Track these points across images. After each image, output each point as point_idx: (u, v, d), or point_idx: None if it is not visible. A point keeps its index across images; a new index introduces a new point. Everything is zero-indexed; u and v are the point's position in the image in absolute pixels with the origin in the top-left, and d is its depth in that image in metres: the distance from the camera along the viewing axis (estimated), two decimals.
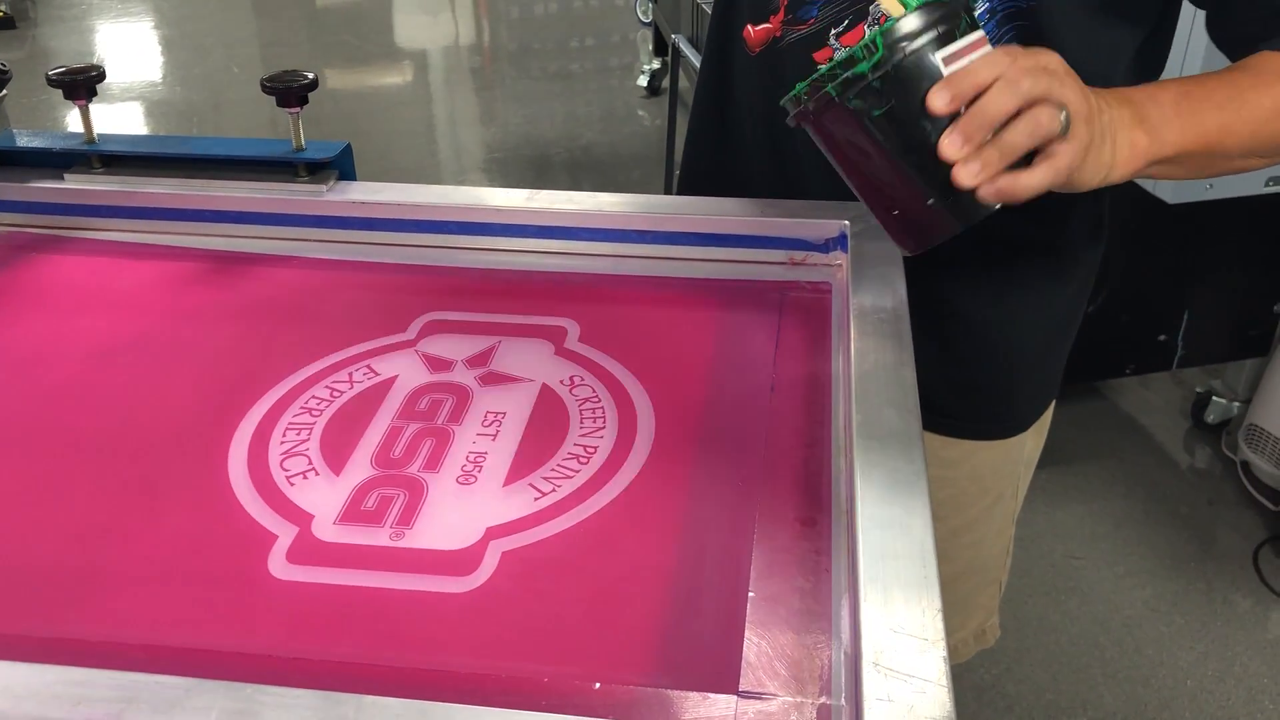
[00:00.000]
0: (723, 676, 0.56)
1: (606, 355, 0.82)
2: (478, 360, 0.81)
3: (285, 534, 0.66)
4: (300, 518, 0.67)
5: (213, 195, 0.96)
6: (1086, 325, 2.40)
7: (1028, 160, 0.69)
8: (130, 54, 4.53)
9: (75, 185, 0.97)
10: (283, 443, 0.73)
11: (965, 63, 0.68)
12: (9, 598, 0.62)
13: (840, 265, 0.89)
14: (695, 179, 1.10)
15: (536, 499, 0.68)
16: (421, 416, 0.76)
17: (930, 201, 0.70)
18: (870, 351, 0.72)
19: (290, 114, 0.95)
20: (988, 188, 0.68)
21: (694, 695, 0.54)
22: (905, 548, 0.57)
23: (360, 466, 0.71)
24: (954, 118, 0.67)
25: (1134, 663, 1.88)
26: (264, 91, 0.94)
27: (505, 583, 0.62)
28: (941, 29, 0.68)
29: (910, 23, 0.67)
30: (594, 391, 0.78)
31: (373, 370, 0.80)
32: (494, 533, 0.66)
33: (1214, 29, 0.89)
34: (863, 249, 0.84)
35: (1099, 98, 0.73)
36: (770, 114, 0.93)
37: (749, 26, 0.93)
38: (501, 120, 4.11)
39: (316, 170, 0.97)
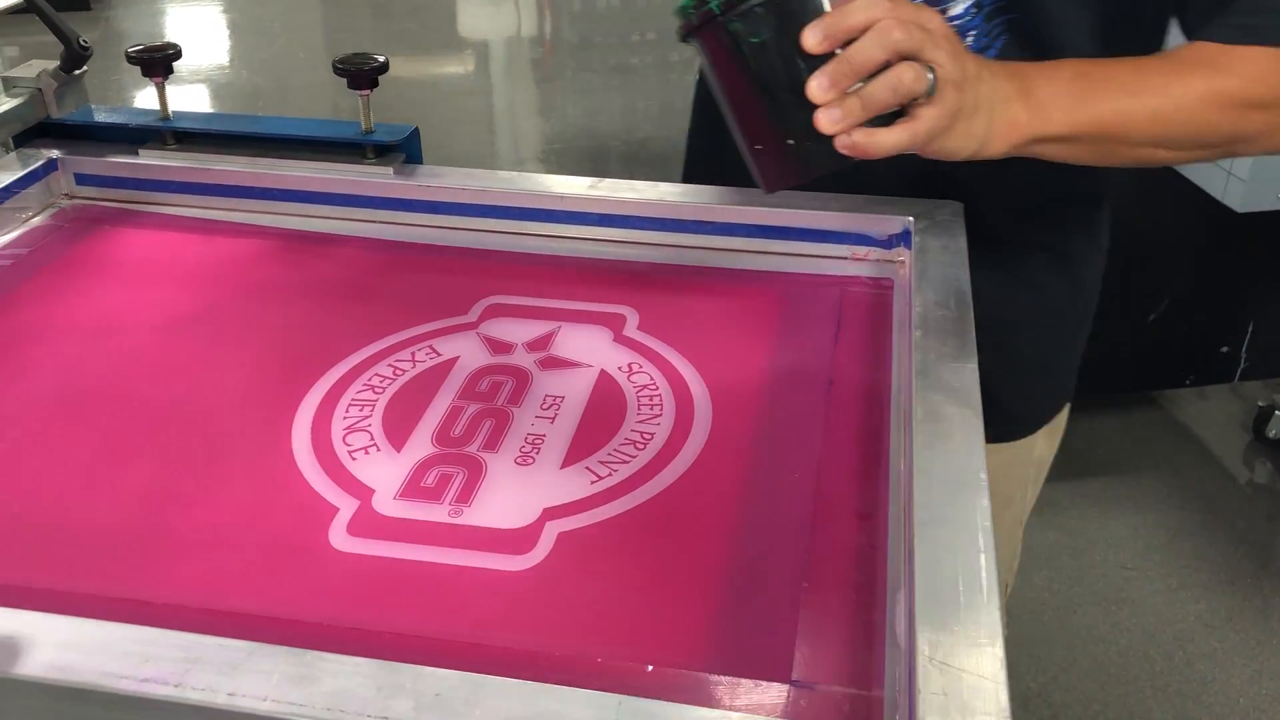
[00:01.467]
0: (775, 665, 0.56)
1: (664, 344, 0.82)
2: (538, 344, 0.82)
3: (346, 507, 0.67)
4: (361, 491, 0.68)
5: (282, 174, 0.97)
6: (1146, 334, 2.36)
7: (894, 120, 0.69)
8: (199, 37, 4.61)
9: (149, 161, 0.99)
10: (346, 418, 0.74)
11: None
12: (80, 557, 0.63)
13: (903, 262, 0.88)
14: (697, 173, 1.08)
15: (593, 482, 0.69)
16: (481, 397, 0.76)
17: (790, 142, 0.70)
18: (932, 349, 0.72)
19: (360, 96, 0.96)
20: (844, 138, 0.68)
21: (747, 682, 0.54)
22: (964, 544, 0.56)
23: (421, 444, 0.72)
24: (828, 60, 0.67)
25: (1185, 677, 1.85)
26: (336, 73, 0.95)
27: (561, 563, 0.63)
28: None
29: None
30: (651, 379, 0.78)
31: (435, 350, 0.81)
32: (551, 513, 0.66)
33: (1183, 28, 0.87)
34: (927, 245, 0.84)
35: (982, 67, 0.72)
36: None
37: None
38: (560, 112, 4.13)
39: (384, 153, 0.98)
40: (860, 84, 0.67)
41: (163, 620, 0.54)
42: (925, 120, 0.69)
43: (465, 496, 0.67)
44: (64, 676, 0.50)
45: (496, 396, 0.76)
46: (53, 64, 1.00)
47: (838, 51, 0.67)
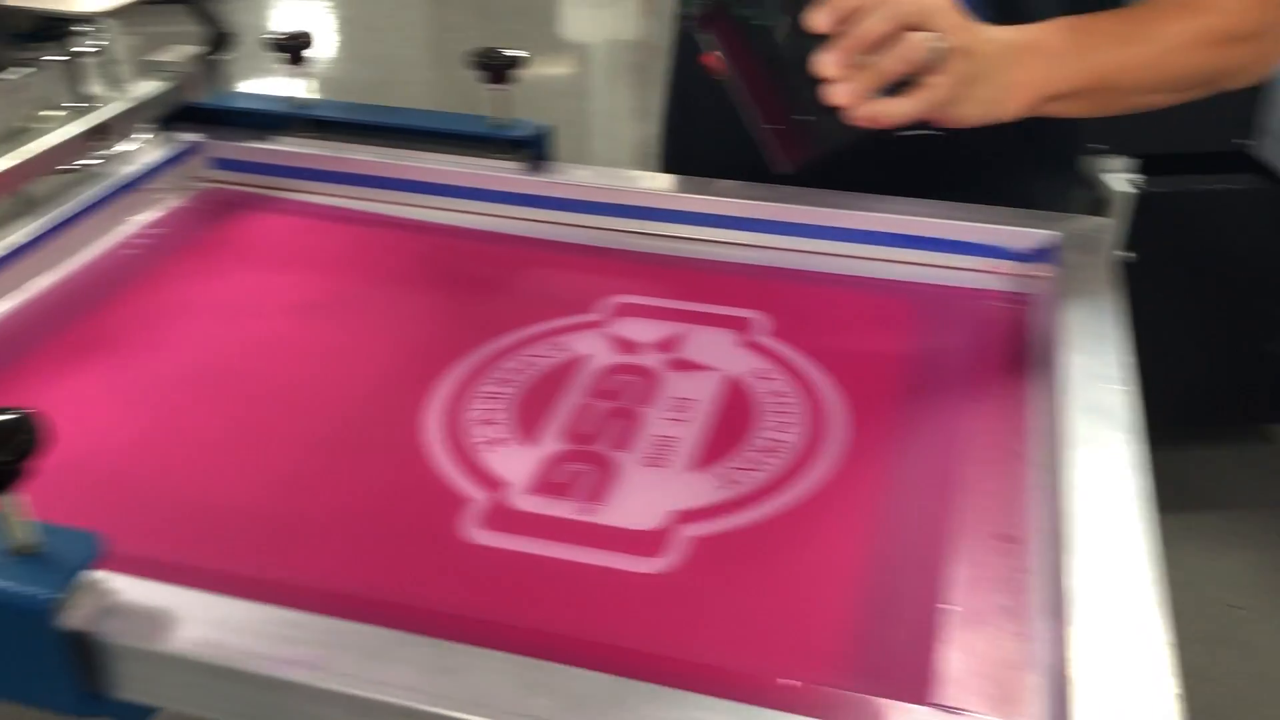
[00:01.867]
0: (917, 688, 0.54)
1: (796, 351, 0.80)
2: (666, 345, 0.81)
3: (478, 498, 0.67)
4: (493, 484, 0.68)
5: (414, 165, 0.98)
6: (1263, 365, 2.27)
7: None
8: (314, 30, 4.71)
9: (283, 147, 1.01)
10: (476, 409, 0.74)
11: None
12: (217, 535, 0.64)
13: (1044, 277, 0.85)
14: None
15: (725, 487, 0.68)
16: (611, 396, 0.76)
17: (804, 118, 0.72)
18: (1080, 368, 0.69)
19: (496, 91, 0.96)
20: (858, 110, 0.70)
21: (894, 703, 0.52)
22: (1123, 570, 0.54)
23: (551, 439, 0.71)
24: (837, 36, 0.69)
25: None
26: (473, 67, 0.96)
27: (694, 568, 0.62)
28: None
29: None
30: (783, 386, 0.77)
31: (563, 347, 0.81)
32: (682, 517, 0.65)
33: None
34: (1073, 261, 0.81)
35: (987, 32, 0.74)
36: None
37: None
38: (657, 115, 4.12)
39: (515, 148, 0.98)
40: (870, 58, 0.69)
41: (297, 602, 0.54)
42: (937, 88, 0.71)
43: (596, 495, 0.67)
44: (213, 654, 0.51)
45: (626, 396, 0.76)
46: (197, 49, 1.02)
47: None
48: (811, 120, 0.72)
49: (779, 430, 0.72)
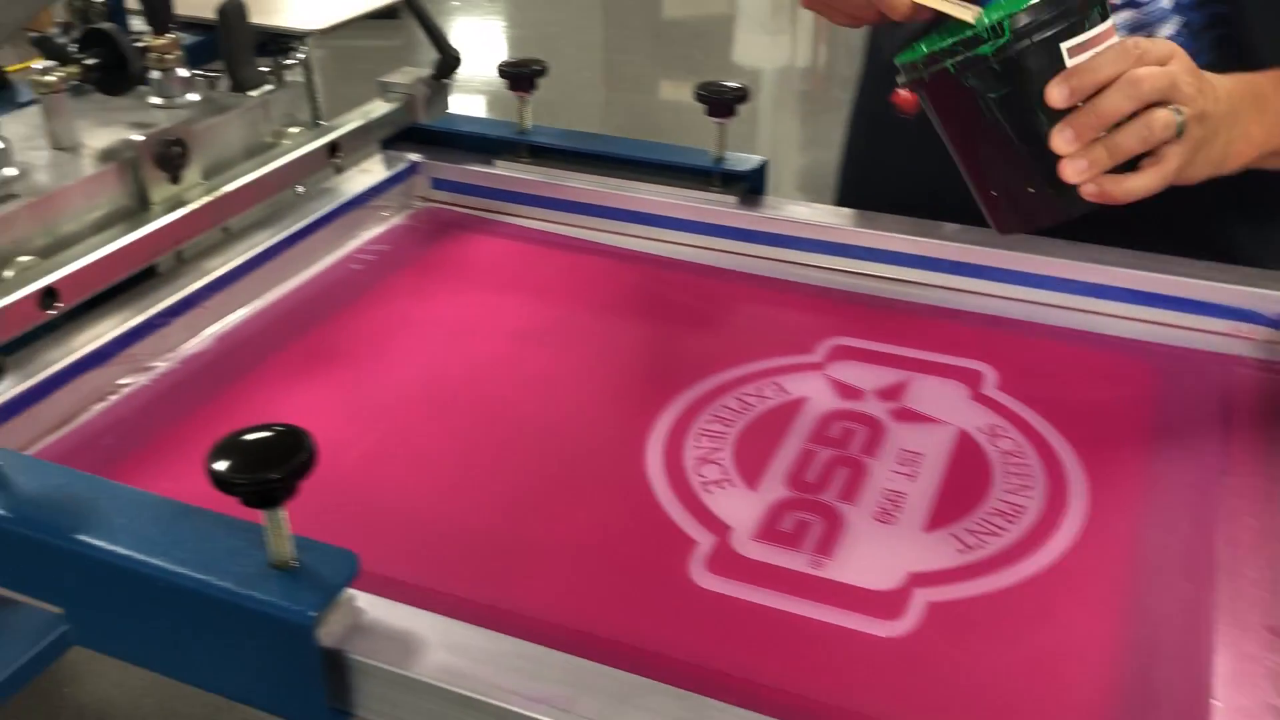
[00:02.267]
0: None
1: (1029, 409, 0.77)
2: (890, 393, 0.79)
3: (704, 541, 0.65)
4: (718, 527, 0.67)
5: (630, 195, 0.98)
6: None
7: (1137, 160, 0.68)
8: (489, 49, 4.84)
9: (504, 171, 1.03)
10: (697, 447, 0.73)
11: (1090, 55, 0.66)
12: (445, 557, 0.65)
13: None
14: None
15: (961, 551, 0.65)
16: (834, 443, 0.74)
17: (1031, 189, 0.69)
18: None
19: (717, 124, 0.96)
20: (1090, 185, 0.67)
21: None
22: None
23: (775, 484, 0.70)
24: (1069, 108, 0.66)
25: None
26: (697, 99, 0.96)
27: (933, 635, 0.59)
28: (1072, 19, 0.65)
29: (1039, 9, 0.65)
30: (1018, 445, 0.73)
31: (782, 388, 0.79)
32: (918, 579, 0.63)
33: None
34: None
35: (1219, 87, 0.71)
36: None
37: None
38: (823, 144, 4.08)
39: (731, 181, 0.97)
40: (1105, 132, 0.66)
41: (528, 632, 0.54)
42: (1173, 159, 0.68)
43: (825, 548, 0.65)
44: (457, 683, 0.51)
45: (850, 444, 0.74)
46: (426, 71, 1.05)
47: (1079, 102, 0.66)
48: (1038, 192, 0.69)
49: (1016, 493, 0.69)
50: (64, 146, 0.86)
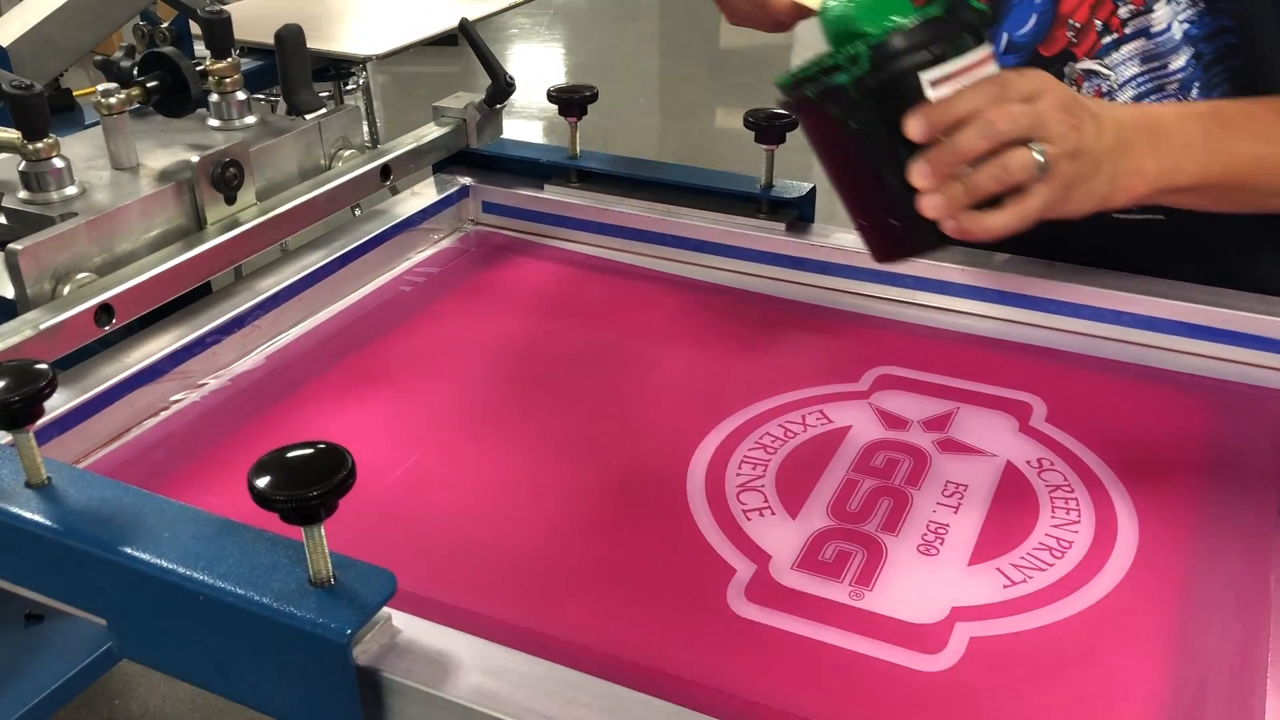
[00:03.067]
0: None
1: (1078, 442, 0.75)
2: (935, 424, 0.78)
3: (744, 569, 0.65)
4: (758, 555, 0.66)
5: (678, 221, 0.98)
6: None
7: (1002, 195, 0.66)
8: (548, 75, 4.90)
9: (553, 196, 1.03)
10: (739, 474, 0.73)
11: (954, 87, 0.63)
12: (489, 581, 0.65)
13: None
14: None
15: (1006, 586, 0.63)
16: (877, 474, 0.73)
17: (895, 221, 0.67)
18: None
19: (765, 150, 0.96)
20: (949, 222, 0.65)
21: None
22: None
23: (816, 514, 0.69)
24: (930, 142, 0.64)
25: None
26: (746, 126, 0.96)
27: (976, 671, 0.58)
28: (935, 50, 0.63)
29: (900, 40, 0.62)
30: (1065, 479, 0.72)
31: (825, 416, 0.79)
32: (960, 614, 0.62)
33: None
34: None
35: (1106, 121, 0.68)
36: None
37: None
38: None
39: (778, 208, 0.97)
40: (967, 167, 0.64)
41: (564, 655, 0.54)
42: (1036, 199, 0.66)
43: (866, 579, 0.64)
44: (489, 705, 0.51)
45: (893, 475, 0.73)
46: (478, 97, 1.06)
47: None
48: (902, 225, 0.67)
49: (1064, 528, 0.68)
50: (124, 166, 0.88)
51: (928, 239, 0.67)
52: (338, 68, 1.82)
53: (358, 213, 0.98)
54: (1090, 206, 0.69)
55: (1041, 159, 0.64)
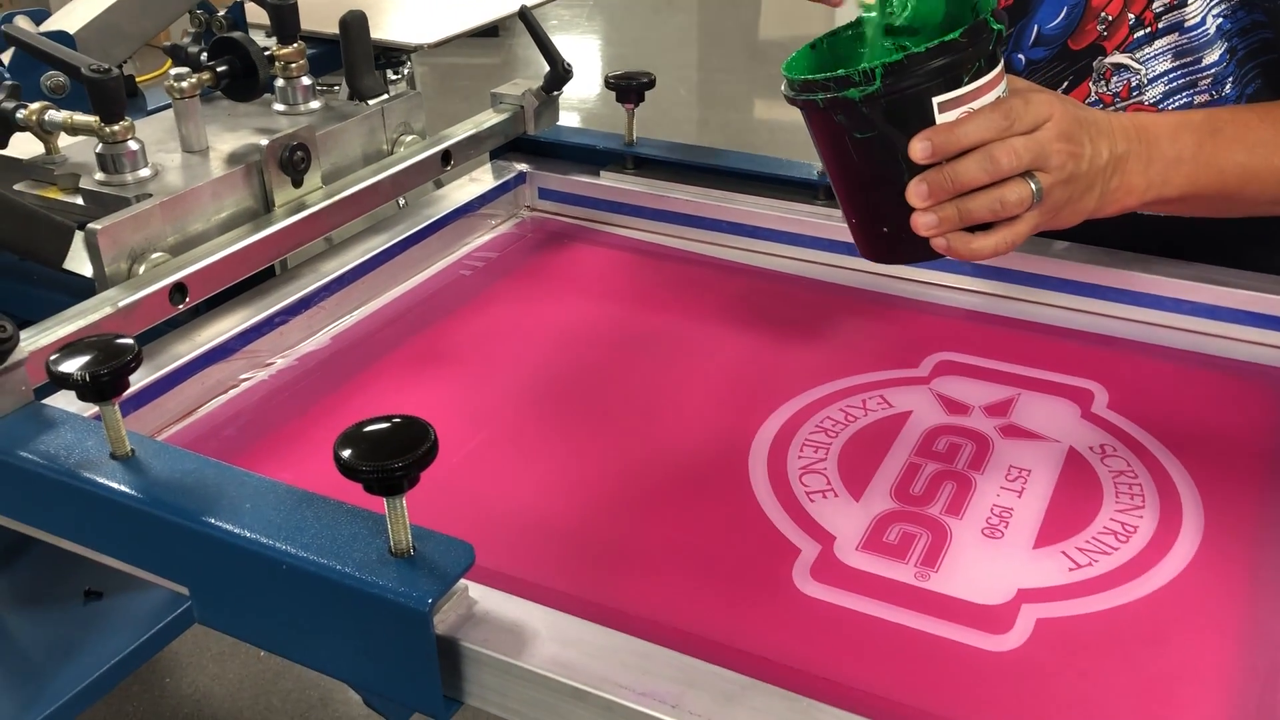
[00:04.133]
0: None
1: (1141, 429, 0.75)
2: (997, 410, 0.78)
3: (808, 549, 0.66)
4: (822, 536, 0.67)
5: (734, 207, 0.99)
6: None
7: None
8: (587, 66, 4.91)
9: (609, 182, 1.04)
10: (800, 457, 0.73)
11: (962, 111, 0.65)
12: (560, 557, 0.66)
13: None
14: None
15: (1071, 569, 0.64)
16: (940, 458, 0.73)
17: (886, 230, 0.69)
18: None
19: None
20: (939, 240, 0.68)
21: None
22: None
23: (879, 496, 0.70)
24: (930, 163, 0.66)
25: None
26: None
27: (1042, 652, 0.58)
28: (949, 74, 0.64)
29: (917, 63, 0.63)
30: (1128, 465, 0.72)
31: (886, 401, 0.79)
32: (1026, 595, 0.62)
33: None
34: None
35: (1101, 137, 0.70)
36: None
37: None
38: None
39: (834, 194, 0.97)
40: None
41: (635, 631, 0.55)
42: (1026, 224, 0.68)
43: (931, 560, 0.64)
44: (565, 674, 0.52)
45: (956, 459, 0.73)
46: (536, 84, 1.07)
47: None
48: (891, 234, 0.69)
49: (1128, 512, 0.68)
50: (194, 149, 0.89)
51: (914, 251, 0.69)
52: (386, 56, 1.83)
53: (402, 204, 0.99)
54: (1079, 220, 0.72)
55: (1037, 191, 0.67)
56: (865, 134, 0.66)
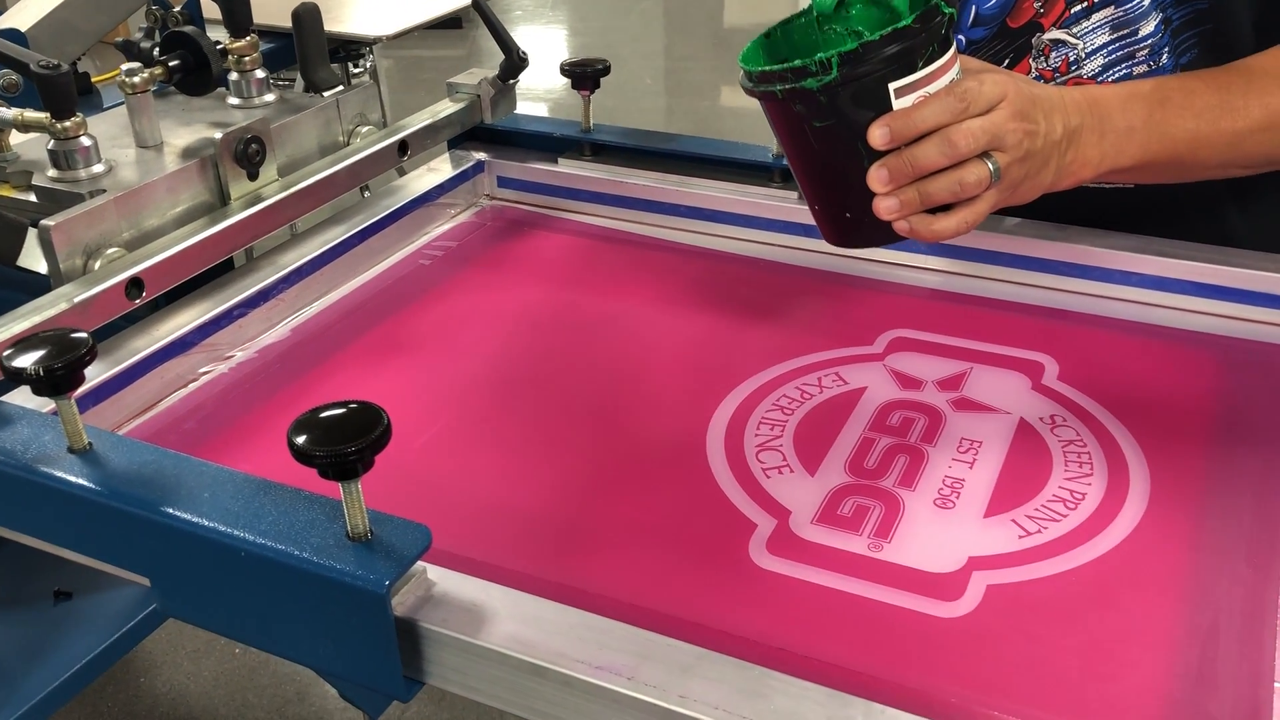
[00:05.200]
0: None
1: (1090, 399, 0.77)
2: (949, 384, 0.79)
3: (764, 524, 0.67)
4: (778, 511, 0.68)
5: (690, 192, 1.00)
6: None
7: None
8: (552, 56, 4.90)
9: (568, 170, 1.05)
10: (757, 435, 0.74)
11: (918, 95, 0.66)
12: (519, 539, 0.67)
13: None
14: None
15: (1021, 536, 0.65)
16: (893, 432, 0.74)
17: (848, 215, 0.71)
18: None
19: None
20: (901, 224, 0.69)
21: None
22: None
23: (834, 471, 0.71)
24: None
25: None
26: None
27: (992, 617, 0.60)
28: (904, 60, 0.65)
29: (872, 51, 0.64)
30: (1077, 434, 0.74)
31: (841, 378, 0.80)
32: (977, 563, 0.63)
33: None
34: None
35: (1054, 120, 0.71)
36: None
37: None
38: None
39: (790, 177, 0.98)
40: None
41: (590, 608, 0.56)
42: (985, 203, 0.70)
43: (884, 532, 0.66)
44: (526, 652, 0.52)
45: (909, 433, 0.74)
46: (492, 73, 1.07)
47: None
48: (854, 219, 0.71)
49: (1077, 480, 0.69)
50: (148, 144, 0.89)
51: (877, 235, 0.71)
52: (346, 49, 1.83)
53: (367, 194, 1.00)
54: (1035, 194, 0.74)
55: (995, 170, 0.68)
56: (824, 122, 0.67)
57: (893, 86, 0.66)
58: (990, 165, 0.68)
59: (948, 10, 0.66)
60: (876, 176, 0.68)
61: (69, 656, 1.34)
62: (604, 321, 0.89)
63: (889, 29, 0.64)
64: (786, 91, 0.66)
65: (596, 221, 1.03)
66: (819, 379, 0.80)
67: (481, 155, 1.08)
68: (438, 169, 1.06)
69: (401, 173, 1.05)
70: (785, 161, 0.97)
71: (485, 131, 1.10)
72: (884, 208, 0.68)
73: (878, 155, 0.67)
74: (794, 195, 0.97)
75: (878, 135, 0.66)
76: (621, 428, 0.76)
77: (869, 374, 0.81)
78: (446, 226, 1.03)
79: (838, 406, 0.77)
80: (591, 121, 1.06)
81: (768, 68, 0.67)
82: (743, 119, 4.09)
